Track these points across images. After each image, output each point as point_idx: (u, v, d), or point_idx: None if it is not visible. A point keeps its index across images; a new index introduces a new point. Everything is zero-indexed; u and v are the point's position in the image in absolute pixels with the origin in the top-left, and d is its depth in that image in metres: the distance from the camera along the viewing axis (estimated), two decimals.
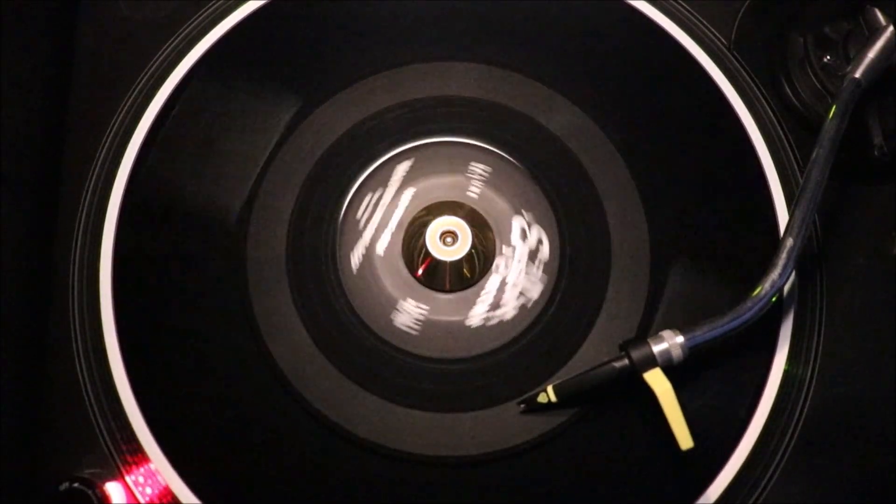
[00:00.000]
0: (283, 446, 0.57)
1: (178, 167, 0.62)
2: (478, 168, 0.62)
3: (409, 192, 0.62)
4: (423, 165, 0.62)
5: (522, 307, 0.59)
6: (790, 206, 0.56)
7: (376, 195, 0.62)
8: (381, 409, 0.57)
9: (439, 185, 0.62)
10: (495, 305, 0.59)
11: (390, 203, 0.62)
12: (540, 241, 0.61)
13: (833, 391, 0.57)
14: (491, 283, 0.60)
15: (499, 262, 0.60)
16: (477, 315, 0.59)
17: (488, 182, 0.62)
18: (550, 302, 0.59)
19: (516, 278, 0.60)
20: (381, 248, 0.61)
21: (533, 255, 0.60)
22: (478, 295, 0.60)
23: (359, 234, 0.61)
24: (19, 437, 0.56)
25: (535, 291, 0.60)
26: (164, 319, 0.59)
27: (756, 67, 0.64)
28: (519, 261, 0.60)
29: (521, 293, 0.60)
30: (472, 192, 0.62)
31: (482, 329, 0.59)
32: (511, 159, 0.62)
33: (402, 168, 0.62)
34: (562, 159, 0.62)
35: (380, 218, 0.61)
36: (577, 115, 0.63)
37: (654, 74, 0.65)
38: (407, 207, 0.62)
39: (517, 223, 0.61)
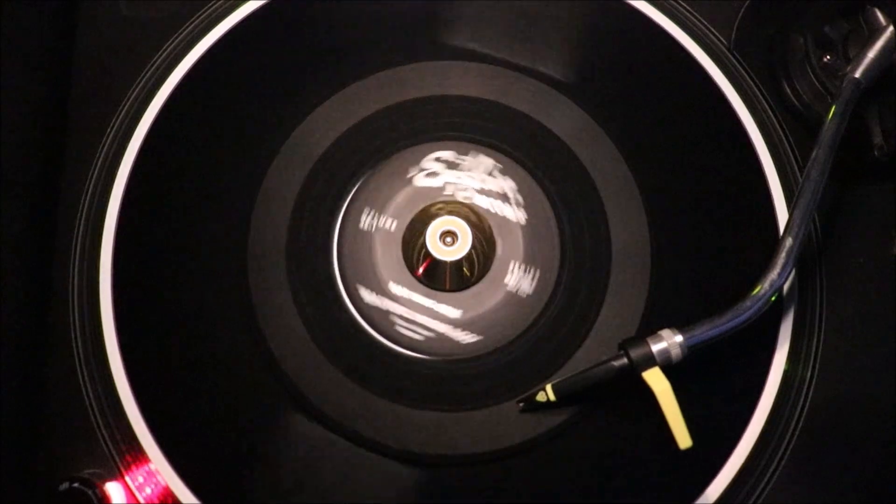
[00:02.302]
0: (282, 446, 0.57)
1: (178, 167, 0.62)
2: (473, 166, 0.62)
3: (408, 191, 0.62)
4: (390, 178, 0.62)
5: (538, 281, 0.59)
6: (790, 206, 0.56)
7: (379, 198, 0.62)
8: (381, 409, 0.57)
9: (436, 187, 0.62)
10: (511, 287, 0.59)
11: (392, 202, 0.62)
12: (534, 215, 0.61)
13: (833, 391, 0.57)
14: (500, 269, 0.60)
15: (500, 245, 0.60)
16: (498, 302, 0.59)
17: (489, 182, 0.62)
18: (551, 302, 0.59)
19: (522, 256, 0.60)
20: (380, 247, 0.61)
21: (531, 230, 0.60)
22: (492, 282, 0.60)
23: (359, 234, 0.61)
24: (19, 437, 0.56)
25: (545, 262, 0.60)
26: (164, 320, 0.59)
27: (756, 67, 0.64)
28: (519, 239, 0.60)
29: (532, 269, 0.60)
30: (469, 191, 0.62)
31: (482, 329, 0.59)
32: (511, 159, 0.62)
33: (401, 167, 0.62)
34: (562, 159, 0.62)
35: (380, 217, 0.61)
36: (578, 115, 0.63)
37: (654, 74, 0.65)
38: (407, 207, 0.61)
39: (514, 220, 0.61)
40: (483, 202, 0.62)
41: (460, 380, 0.58)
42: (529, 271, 0.60)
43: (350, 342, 0.59)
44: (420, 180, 0.62)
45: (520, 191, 0.62)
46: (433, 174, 0.62)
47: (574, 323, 0.59)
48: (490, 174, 0.62)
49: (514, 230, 0.61)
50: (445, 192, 0.62)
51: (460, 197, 0.62)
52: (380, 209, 0.61)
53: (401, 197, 0.62)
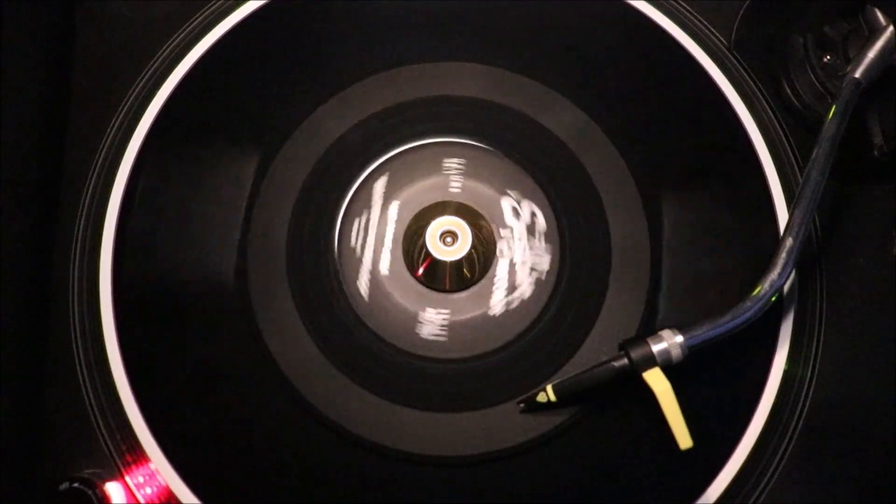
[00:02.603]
0: (282, 446, 0.57)
1: (178, 167, 0.62)
2: (453, 163, 0.62)
3: (418, 187, 0.62)
4: (423, 165, 0.62)
5: (538, 281, 0.59)
6: (790, 206, 0.56)
7: (382, 178, 0.62)
8: (381, 409, 0.57)
9: (439, 186, 0.62)
10: (511, 288, 0.59)
11: (391, 203, 0.62)
12: (534, 215, 0.61)
13: (833, 391, 0.57)
14: (500, 269, 0.60)
15: (500, 246, 0.60)
16: (498, 302, 0.59)
17: (488, 182, 0.62)
18: (550, 302, 0.59)
19: (522, 256, 0.60)
20: (381, 246, 0.61)
21: (532, 230, 0.60)
22: (492, 283, 0.60)
23: (360, 232, 0.61)
24: (19, 437, 0.56)
25: (545, 262, 0.59)
26: (164, 319, 0.59)
27: (756, 67, 0.64)
28: (519, 239, 0.60)
29: (532, 269, 0.60)
30: (473, 192, 0.62)
31: (482, 329, 0.59)
32: (511, 159, 0.62)
33: (417, 162, 0.62)
34: (562, 159, 0.62)
35: (381, 216, 0.61)
36: (577, 114, 0.63)
37: (654, 74, 0.65)
38: (419, 201, 0.61)
39: (506, 203, 0.61)
40: (483, 202, 0.62)
41: (460, 380, 0.58)
42: (529, 271, 0.60)
43: (350, 343, 0.59)
44: (420, 180, 0.62)
45: (519, 191, 0.62)
46: (434, 174, 0.62)
47: (574, 323, 0.59)
48: (465, 166, 0.62)
49: (514, 230, 0.61)
50: (446, 192, 0.62)
51: (460, 197, 0.62)
52: (380, 209, 0.61)
53: (401, 197, 0.62)
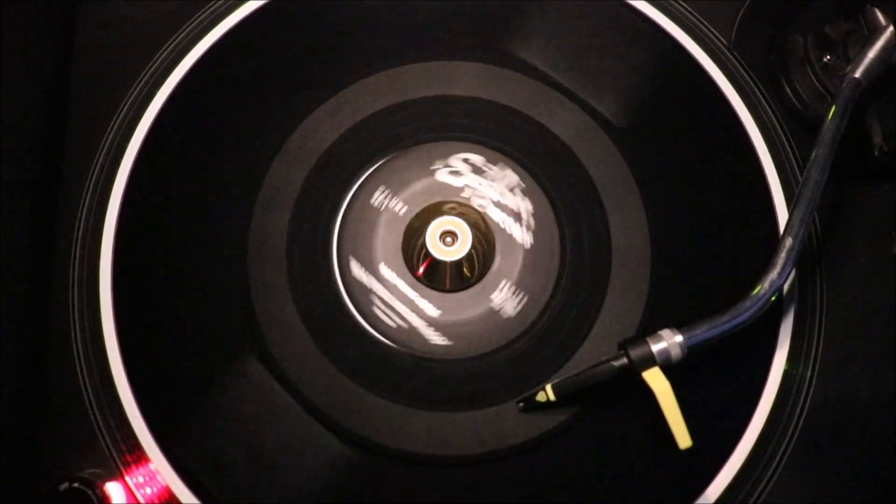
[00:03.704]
0: (282, 445, 0.57)
1: (178, 167, 0.62)
2: (473, 165, 0.62)
3: (409, 191, 0.62)
4: (424, 165, 0.62)
5: (538, 281, 0.59)
6: (790, 206, 0.56)
7: (382, 194, 0.62)
8: (382, 409, 0.57)
9: (439, 185, 0.62)
10: (511, 288, 0.59)
11: (393, 201, 0.62)
12: (538, 236, 0.61)
13: (833, 391, 0.57)
14: (500, 269, 0.60)
15: (500, 246, 0.60)
16: (498, 302, 0.59)
17: (489, 182, 0.62)
18: (551, 302, 0.59)
19: (522, 255, 0.60)
20: (383, 249, 0.61)
21: (531, 230, 0.60)
22: (492, 283, 0.60)
23: (360, 231, 0.61)
24: (19, 437, 0.56)
25: (545, 263, 0.59)
26: (164, 319, 0.59)
27: (756, 67, 0.64)
28: (519, 239, 0.60)
29: (532, 269, 0.60)
30: (473, 191, 0.62)
31: (483, 328, 0.59)
32: (511, 159, 0.62)
33: (402, 168, 0.62)
34: (562, 159, 0.62)
35: (380, 217, 0.61)
36: (577, 115, 0.63)
37: (654, 74, 0.65)
38: (409, 207, 0.61)
39: (517, 223, 0.61)
40: (483, 202, 0.62)
41: (460, 379, 0.58)
42: (529, 271, 0.60)
43: (351, 343, 0.59)
44: (420, 179, 0.62)
45: (519, 191, 0.62)
46: (434, 174, 0.62)
47: (574, 323, 0.59)
48: (492, 173, 0.62)
49: (514, 231, 0.61)
50: (441, 193, 0.62)
51: (459, 197, 0.62)
52: (380, 208, 0.61)
53: (402, 196, 0.62)
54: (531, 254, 0.60)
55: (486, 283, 0.60)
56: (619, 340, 0.56)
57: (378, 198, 0.61)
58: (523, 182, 0.62)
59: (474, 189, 0.62)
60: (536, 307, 0.59)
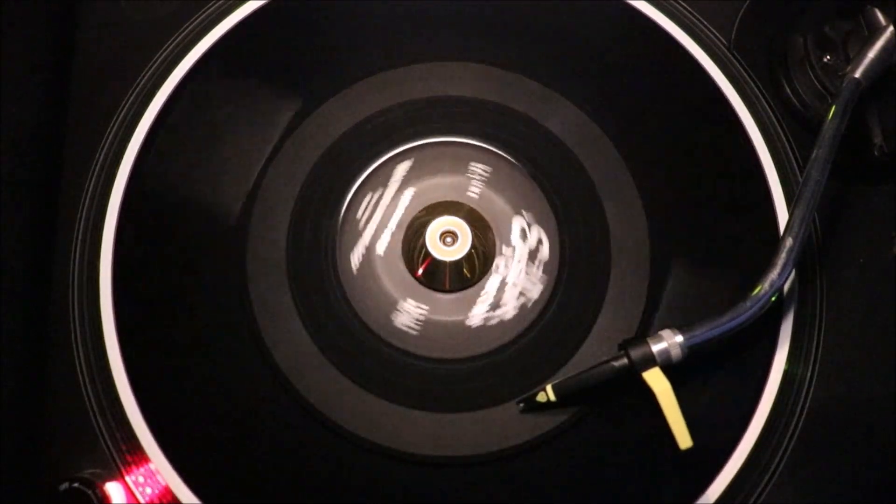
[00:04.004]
0: (282, 446, 0.57)
1: (178, 167, 0.62)
2: (478, 168, 0.62)
3: (409, 193, 0.62)
4: (423, 165, 0.62)
5: (523, 307, 0.59)
6: (790, 206, 0.56)
7: (376, 195, 0.62)
8: (381, 409, 0.57)
9: (439, 185, 0.62)
10: (495, 305, 0.59)
11: (390, 203, 0.62)
12: (540, 241, 0.61)
13: (833, 391, 0.57)
14: (491, 283, 0.60)
15: (499, 261, 0.60)
16: (477, 315, 0.59)
17: (488, 182, 0.62)
18: (551, 302, 0.59)
19: (516, 278, 0.60)
20: (381, 247, 0.61)
21: (533, 255, 0.60)
22: (478, 295, 0.60)
23: (359, 233, 0.61)
24: (19, 437, 0.56)
25: (536, 291, 0.60)
26: (164, 320, 0.59)
27: (756, 67, 0.64)
28: (519, 261, 0.60)
29: (522, 293, 0.60)
30: (472, 192, 0.62)
31: (482, 329, 0.59)
32: (511, 159, 0.62)
33: (401, 168, 0.62)
34: (562, 159, 0.62)
35: (380, 218, 0.61)
36: (577, 115, 0.63)
37: (654, 74, 0.65)
38: (407, 207, 0.62)
39: (517, 223, 0.61)
40: (483, 203, 0.62)
41: (460, 380, 0.58)
42: (529, 271, 0.60)
43: (350, 343, 0.59)
44: (421, 179, 0.62)
45: (520, 191, 0.62)
46: (435, 174, 0.62)
47: (574, 323, 0.59)
48: (490, 174, 0.62)
49: (514, 231, 0.61)
50: (445, 193, 0.62)
51: (461, 197, 0.62)
52: (381, 208, 0.61)
53: (402, 196, 0.62)
54: (531, 254, 0.60)
55: (485, 283, 0.60)
56: (619, 340, 0.56)
57: (367, 216, 0.61)
58: (523, 180, 0.62)
59: (457, 184, 0.62)
60: (536, 307, 0.59)
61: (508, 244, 0.61)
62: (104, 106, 0.63)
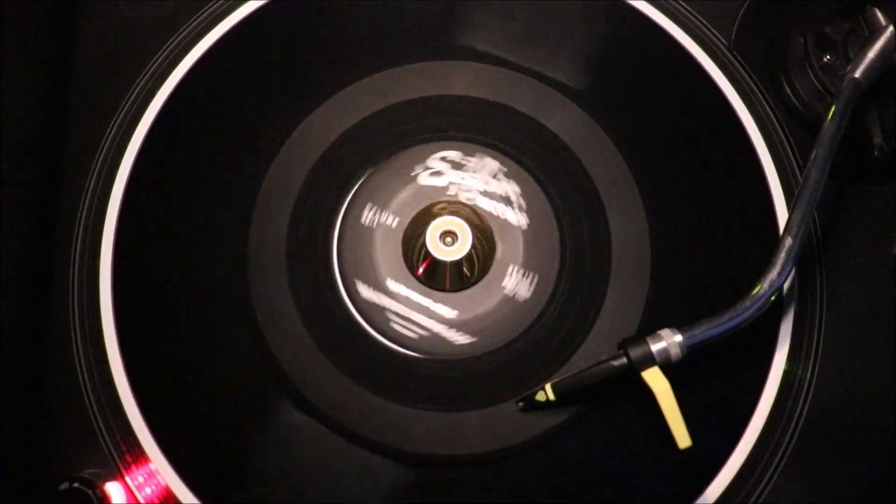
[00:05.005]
0: (282, 446, 0.57)
1: (178, 167, 0.62)
2: (478, 168, 0.62)
3: (409, 191, 0.62)
4: (398, 178, 0.62)
5: (523, 307, 0.59)
6: (790, 206, 0.56)
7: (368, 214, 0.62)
8: (381, 409, 0.57)
9: (439, 186, 0.62)
10: (511, 288, 0.59)
11: (392, 202, 0.62)
12: (538, 239, 0.61)
13: (833, 391, 0.57)
14: (491, 283, 0.60)
15: (500, 245, 0.60)
16: (477, 315, 0.59)
17: (489, 183, 0.62)
18: (551, 302, 0.59)
19: (516, 279, 0.60)
20: (381, 246, 0.61)
21: (532, 255, 0.60)
22: (478, 295, 0.60)
23: (360, 231, 0.61)
24: (19, 437, 0.56)
25: (545, 263, 0.59)
26: (164, 319, 0.59)
27: (756, 67, 0.64)
28: (519, 240, 0.60)
29: (521, 293, 0.60)
30: (472, 192, 0.62)
31: (482, 329, 0.59)
32: (511, 159, 0.62)
33: (377, 184, 0.62)
34: (562, 159, 0.62)
35: (381, 217, 0.61)
36: (578, 115, 0.63)
37: (654, 74, 0.65)
38: (407, 208, 0.62)
39: (516, 223, 0.61)
40: (483, 203, 0.62)
41: (460, 380, 0.58)
42: (529, 271, 0.60)
43: (350, 342, 0.59)
44: (421, 180, 0.62)
45: (520, 192, 0.62)
46: (437, 174, 0.62)
47: (574, 323, 0.59)
48: (494, 176, 0.62)
49: (515, 231, 0.61)
50: (448, 193, 0.62)
51: (461, 197, 0.62)
52: (380, 209, 0.61)
53: (402, 196, 0.62)
54: (531, 254, 0.60)
55: (485, 284, 0.60)
56: (619, 340, 0.56)
57: (368, 216, 0.61)
58: (505, 167, 0.62)
59: (458, 184, 0.62)
60: (536, 307, 0.59)
61: (508, 244, 0.61)
62: (104, 106, 0.63)
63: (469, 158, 0.62)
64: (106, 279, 0.60)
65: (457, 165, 0.62)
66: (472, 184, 0.62)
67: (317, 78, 0.64)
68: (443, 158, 0.62)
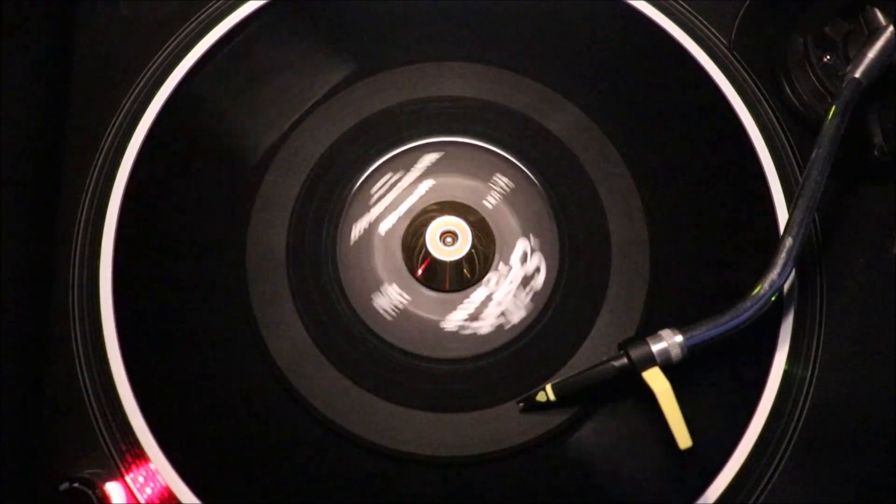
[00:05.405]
0: (282, 446, 0.57)
1: (179, 167, 0.62)
2: (501, 181, 0.62)
3: (427, 184, 0.62)
4: (448, 162, 0.62)
5: (500, 327, 0.59)
6: (790, 206, 0.56)
7: (396, 176, 0.62)
8: (381, 409, 0.57)
9: (458, 186, 0.62)
10: (474, 317, 0.59)
11: (407, 188, 0.62)
12: (537, 270, 0.60)
13: (833, 391, 0.57)
14: (491, 283, 0.60)
15: (491, 276, 0.60)
16: (453, 321, 0.59)
17: (506, 197, 0.62)
18: (551, 302, 0.59)
19: (503, 298, 0.60)
20: (381, 247, 0.61)
21: (526, 281, 0.60)
22: (478, 295, 0.60)
23: (360, 232, 0.61)
24: (19, 437, 0.56)
25: (517, 316, 0.59)
26: (164, 319, 0.59)
27: (756, 67, 0.64)
28: (511, 282, 0.60)
29: (503, 314, 0.59)
30: (489, 201, 0.62)
31: (482, 328, 0.59)
32: (534, 178, 0.62)
33: (426, 159, 0.62)
34: (562, 159, 0.62)
35: (381, 217, 0.61)
36: (577, 115, 0.63)
37: (655, 74, 0.65)
38: (421, 197, 0.61)
39: (521, 245, 0.61)
40: (483, 203, 0.62)
41: (460, 380, 0.58)
42: (529, 271, 0.60)
43: (349, 342, 0.59)
44: (421, 180, 0.62)
45: (520, 192, 0.62)
46: (437, 173, 0.62)
47: (574, 323, 0.59)
48: (510, 190, 0.62)
49: (514, 231, 0.61)
50: (462, 194, 0.62)
51: (476, 203, 0.62)
52: (380, 209, 0.61)
53: (402, 196, 0.62)
54: (531, 254, 0.60)
55: (485, 284, 0.60)
56: (619, 340, 0.56)
57: (367, 216, 0.61)
58: (504, 167, 0.62)
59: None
60: (537, 307, 0.59)
61: (507, 262, 0.61)
62: (104, 106, 0.63)
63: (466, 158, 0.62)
64: (106, 279, 0.60)
65: (457, 165, 0.62)
66: (490, 194, 0.62)
67: (317, 78, 0.64)
68: (440, 159, 0.62)
